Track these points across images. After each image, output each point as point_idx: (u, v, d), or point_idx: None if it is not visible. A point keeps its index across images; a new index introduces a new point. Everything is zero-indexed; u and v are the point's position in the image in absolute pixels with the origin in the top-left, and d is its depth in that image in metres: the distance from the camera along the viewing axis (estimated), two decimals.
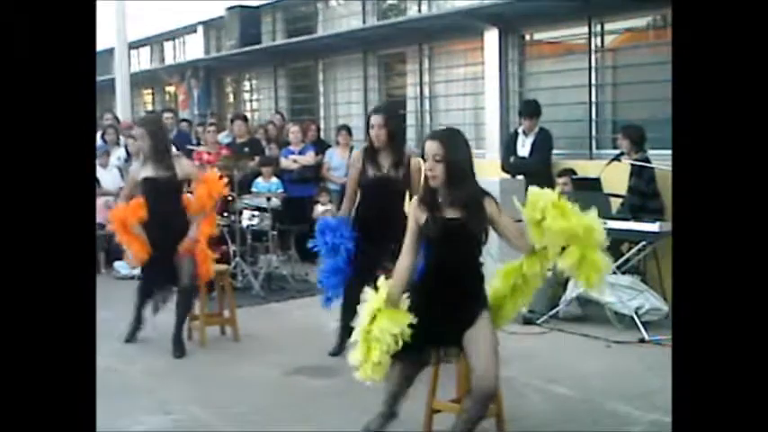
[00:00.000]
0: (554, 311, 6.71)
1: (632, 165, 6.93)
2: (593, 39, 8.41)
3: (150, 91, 17.25)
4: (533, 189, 3.86)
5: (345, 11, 12.04)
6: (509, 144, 8.32)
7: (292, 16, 13.27)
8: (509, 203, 7.14)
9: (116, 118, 11.92)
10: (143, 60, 17.94)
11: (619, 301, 6.44)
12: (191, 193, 6.31)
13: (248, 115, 12.23)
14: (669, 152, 7.05)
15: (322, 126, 11.92)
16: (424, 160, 3.75)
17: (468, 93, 9.87)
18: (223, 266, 6.98)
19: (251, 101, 14.54)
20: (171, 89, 15.85)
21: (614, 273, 6.62)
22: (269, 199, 8.48)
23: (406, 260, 3.85)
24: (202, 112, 13.61)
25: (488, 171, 8.15)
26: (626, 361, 5.73)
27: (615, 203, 7.12)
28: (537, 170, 7.85)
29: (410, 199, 5.33)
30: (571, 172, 7.71)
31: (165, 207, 6.06)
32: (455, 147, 3.77)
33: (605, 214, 6.51)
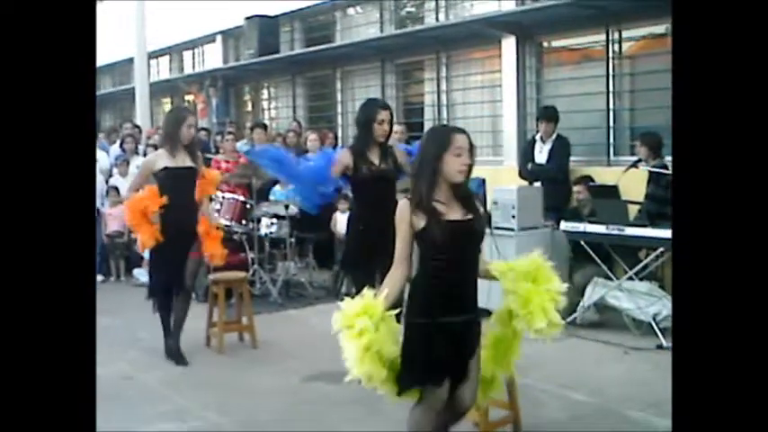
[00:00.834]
0: (571, 318, 6.69)
1: (650, 171, 6.91)
2: (610, 46, 8.40)
3: (169, 100, 17.37)
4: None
5: (363, 20, 12.09)
6: (526, 151, 8.32)
7: (310, 25, 13.33)
8: (526, 210, 7.15)
9: (136, 127, 12.01)
10: (162, 70, 18.07)
11: (636, 307, 6.43)
12: None
13: (267, 124, 12.28)
14: None
15: (339, 134, 11.96)
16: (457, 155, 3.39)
17: (486, 101, 9.88)
18: (241, 274, 7.02)
19: (269, 109, 14.61)
20: (190, 98, 15.95)
21: (632, 279, 6.61)
22: (287, 207, 8.50)
23: (400, 271, 3.47)
24: (221, 120, 13.67)
25: (506, 178, 8.16)
26: (643, 367, 5.71)
27: (633, 210, 7.10)
28: (554, 177, 7.85)
29: None
30: (588, 179, 7.69)
31: (182, 197, 6.04)
32: None
33: (622, 221, 6.53)
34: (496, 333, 3.74)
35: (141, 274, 9.50)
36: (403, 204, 3.46)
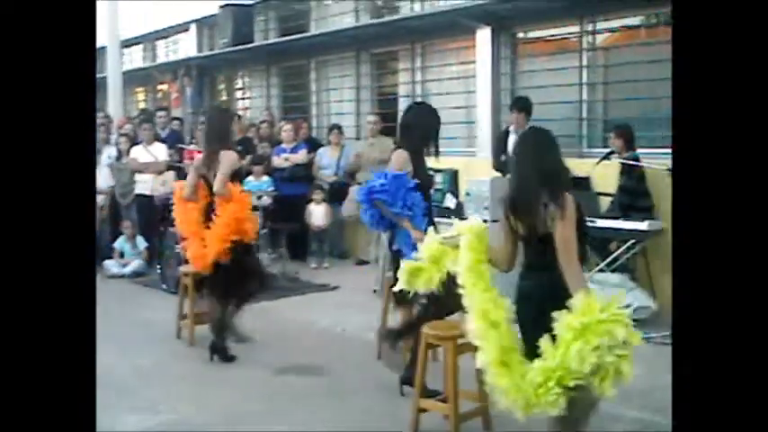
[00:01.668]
0: None
1: (622, 164, 6.93)
2: (584, 37, 8.42)
3: (143, 89, 17.22)
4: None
5: (338, 9, 12.01)
6: (500, 142, 8.30)
7: (285, 15, 13.24)
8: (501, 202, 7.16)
9: (107, 116, 11.89)
10: (135, 59, 17.88)
11: None
12: None
13: (240, 113, 12.21)
14: (658, 151, 7.10)
15: (314, 124, 11.91)
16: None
17: (461, 91, 9.86)
18: None
19: (243, 99, 14.51)
20: (163, 87, 15.81)
21: (603, 271, 6.63)
22: (260, 197, 8.46)
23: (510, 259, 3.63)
24: (195, 110, 13.57)
25: (480, 169, 8.15)
26: None
27: (605, 202, 7.13)
28: None
29: None
30: None
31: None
32: None
33: (594, 213, 6.54)
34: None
35: (113, 266, 9.44)
36: (506, 208, 3.58)
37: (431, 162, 5.19)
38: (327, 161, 10.05)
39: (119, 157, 10.10)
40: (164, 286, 8.49)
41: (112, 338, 6.50)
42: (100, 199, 9.57)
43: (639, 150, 7.09)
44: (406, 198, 4.74)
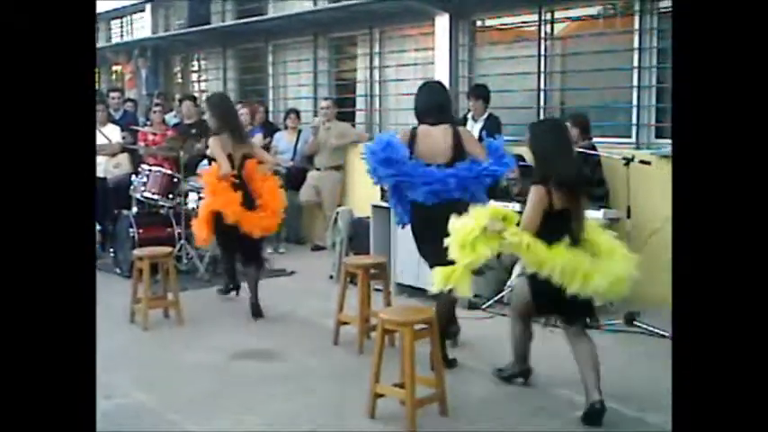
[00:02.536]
0: (499, 296, 6.76)
1: (578, 152, 6.98)
2: (542, 26, 8.45)
3: (96, 70, 16.93)
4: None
5: None
6: None
7: None
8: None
9: None
10: None
11: None
12: None
13: (196, 96, 12.05)
14: (613, 140, 7.18)
15: (270, 108, 11.81)
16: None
17: (419, 78, 9.82)
18: (167, 249, 6.89)
19: (199, 81, 14.34)
20: (118, 68, 15.57)
21: None
22: None
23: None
24: (150, 92, 13.38)
25: None
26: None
27: None
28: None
29: None
30: (519, 158, 7.74)
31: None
32: None
33: None
34: None
35: None
36: (541, 186, 4.72)
37: None
38: (285, 145, 9.99)
39: None
40: (117, 270, 8.38)
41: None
42: None
43: (596, 140, 7.16)
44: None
